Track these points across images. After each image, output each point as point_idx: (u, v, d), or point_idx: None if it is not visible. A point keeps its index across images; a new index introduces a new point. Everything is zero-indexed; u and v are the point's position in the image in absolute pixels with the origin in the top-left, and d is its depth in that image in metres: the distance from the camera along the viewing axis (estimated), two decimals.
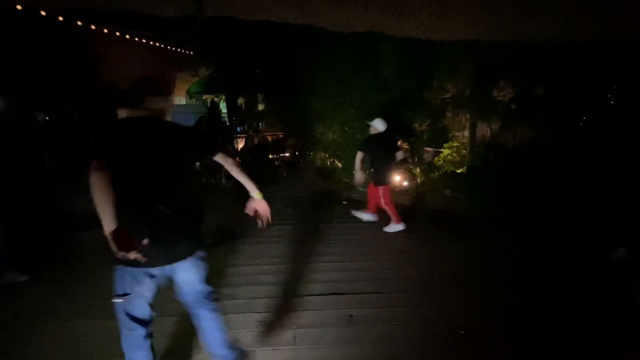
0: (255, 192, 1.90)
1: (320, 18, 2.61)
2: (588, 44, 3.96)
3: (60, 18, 5.72)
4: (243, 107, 12.62)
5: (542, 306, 2.71)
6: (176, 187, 1.60)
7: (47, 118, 6.17)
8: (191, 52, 10.18)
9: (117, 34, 7.38)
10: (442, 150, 5.99)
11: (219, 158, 1.77)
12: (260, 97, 12.49)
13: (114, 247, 1.40)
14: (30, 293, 2.98)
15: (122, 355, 2.24)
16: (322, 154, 7.08)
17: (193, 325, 2.02)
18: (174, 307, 2.75)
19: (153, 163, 1.54)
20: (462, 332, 2.40)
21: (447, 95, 5.83)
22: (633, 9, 2.59)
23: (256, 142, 8.29)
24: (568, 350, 2.26)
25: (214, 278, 3.16)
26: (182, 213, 1.61)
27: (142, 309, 1.71)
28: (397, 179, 5.64)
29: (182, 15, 2.48)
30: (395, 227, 4.21)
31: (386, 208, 4.24)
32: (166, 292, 3.00)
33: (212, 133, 7.16)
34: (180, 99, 12.42)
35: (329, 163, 6.81)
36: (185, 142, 1.65)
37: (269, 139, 9.45)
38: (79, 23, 6.22)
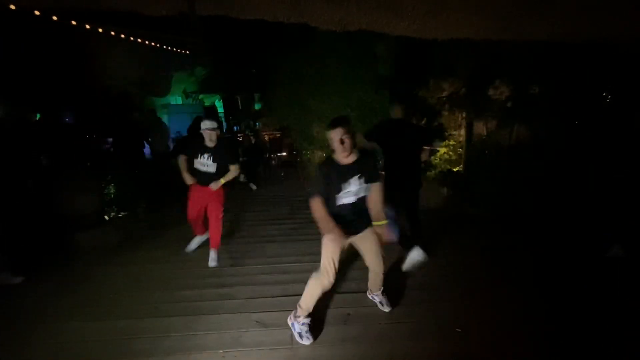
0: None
1: (313, 17, 2.61)
2: (586, 43, 3.97)
3: (55, 18, 5.68)
4: (240, 107, 12.62)
5: (539, 305, 2.72)
6: None
7: (42, 118, 6.15)
8: (187, 52, 10.15)
9: (112, 33, 7.34)
10: (438, 148, 6.00)
11: None
12: (257, 96, 12.48)
13: None
14: (27, 294, 2.97)
15: (120, 356, 2.24)
16: (319, 153, 7.08)
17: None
18: (169, 307, 2.75)
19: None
20: (458, 329, 2.41)
21: (443, 94, 5.84)
22: (633, 9, 2.58)
23: (253, 141, 8.28)
24: (566, 350, 2.27)
25: (212, 278, 3.18)
26: None
27: None
28: None
29: (174, 15, 2.47)
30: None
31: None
32: (163, 292, 2.99)
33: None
34: (176, 99, 12.40)
35: None
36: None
37: (266, 138, 9.45)
38: (74, 23, 6.18)
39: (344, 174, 2.21)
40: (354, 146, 2.21)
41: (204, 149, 3.26)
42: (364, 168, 2.25)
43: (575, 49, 4.34)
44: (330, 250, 2.25)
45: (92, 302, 2.83)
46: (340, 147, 2.15)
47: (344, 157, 2.21)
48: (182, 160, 3.34)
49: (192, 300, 2.83)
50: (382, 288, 2.68)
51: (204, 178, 3.30)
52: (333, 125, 2.16)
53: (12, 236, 3.27)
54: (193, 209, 3.43)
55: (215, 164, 3.28)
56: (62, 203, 4.10)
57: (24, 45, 5.79)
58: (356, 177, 2.22)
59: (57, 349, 2.30)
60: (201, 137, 3.26)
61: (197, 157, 3.28)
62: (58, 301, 2.85)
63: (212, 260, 3.43)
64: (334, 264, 2.26)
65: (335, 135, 2.15)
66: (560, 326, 2.46)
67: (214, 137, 3.25)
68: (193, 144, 3.34)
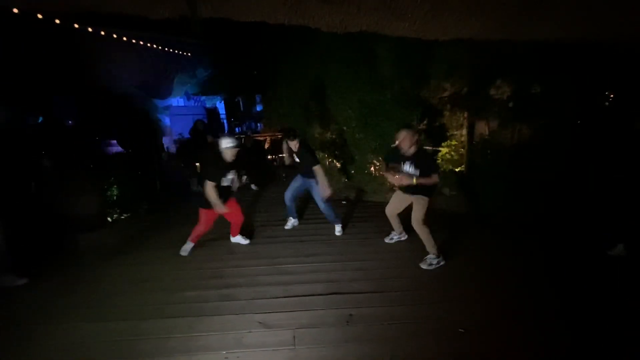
0: None
1: (314, 19, 2.62)
2: (586, 43, 3.97)
3: (57, 21, 5.72)
4: (242, 108, 12.66)
5: (540, 304, 2.72)
6: None
7: (44, 120, 6.20)
8: (189, 54, 10.19)
9: (114, 36, 7.38)
10: (440, 149, 5.99)
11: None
12: (258, 97, 12.51)
13: None
14: (29, 295, 2.99)
15: (122, 357, 2.25)
16: (321, 154, 7.08)
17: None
18: (172, 308, 2.76)
19: None
20: (461, 330, 2.41)
21: (445, 94, 5.82)
22: (632, 9, 2.57)
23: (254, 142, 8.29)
24: (567, 349, 2.26)
25: (214, 279, 3.19)
26: None
27: None
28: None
29: (176, 17, 2.49)
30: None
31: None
32: (165, 293, 3.00)
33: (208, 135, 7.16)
34: (178, 100, 12.43)
35: (327, 163, 6.81)
36: None
37: (268, 139, 9.46)
38: (76, 25, 6.22)
39: None
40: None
41: (229, 166, 3.52)
42: None
43: (575, 49, 4.34)
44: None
45: (94, 303, 2.85)
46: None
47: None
48: (213, 189, 3.40)
49: (195, 301, 2.85)
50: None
51: (226, 191, 3.59)
52: None
53: (16, 238, 3.29)
54: (212, 222, 3.70)
55: (234, 172, 3.62)
56: (64, 205, 4.12)
57: (25, 47, 5.82)
58: None
59: (59, 350, 2.31)
60: (220, 158, 3.44)
61: (225, 177, 3.52)
62: (60, 302, 2.86)
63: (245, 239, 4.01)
64: None
65: None
66: (561, 326, 2.45)
67: (235, 153, 3.48)
68: (218, 168, 3.47)
